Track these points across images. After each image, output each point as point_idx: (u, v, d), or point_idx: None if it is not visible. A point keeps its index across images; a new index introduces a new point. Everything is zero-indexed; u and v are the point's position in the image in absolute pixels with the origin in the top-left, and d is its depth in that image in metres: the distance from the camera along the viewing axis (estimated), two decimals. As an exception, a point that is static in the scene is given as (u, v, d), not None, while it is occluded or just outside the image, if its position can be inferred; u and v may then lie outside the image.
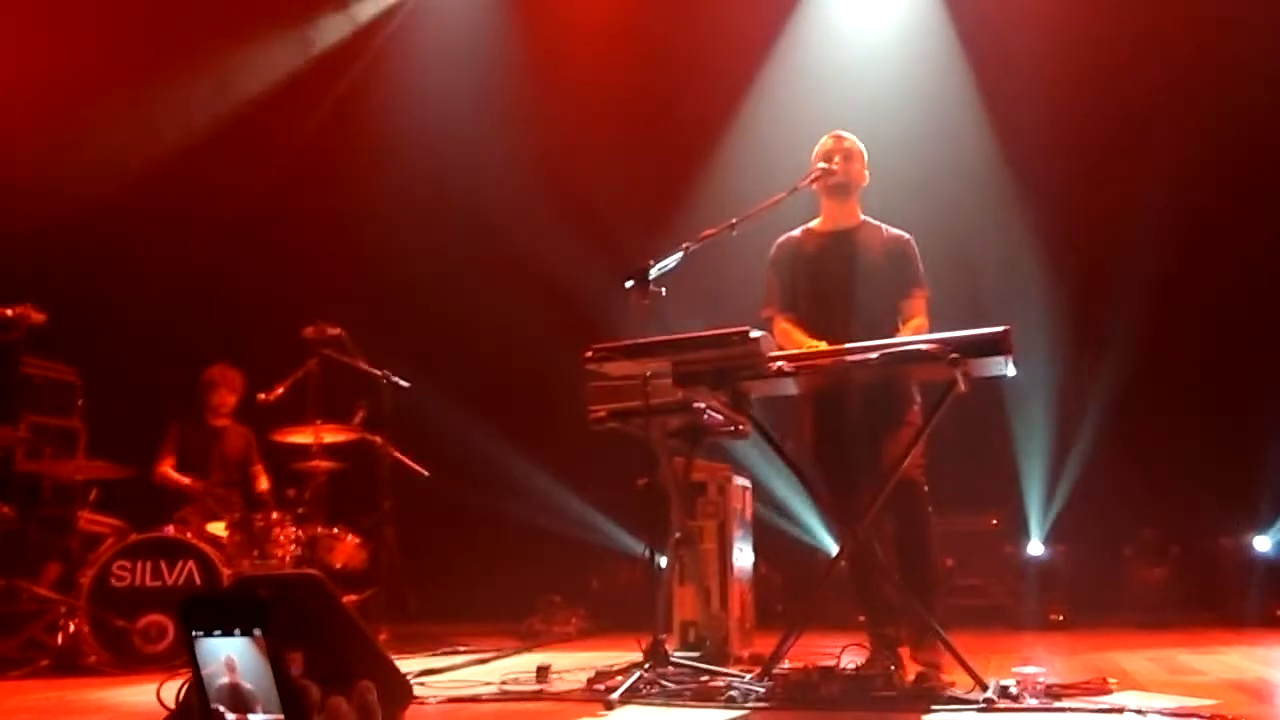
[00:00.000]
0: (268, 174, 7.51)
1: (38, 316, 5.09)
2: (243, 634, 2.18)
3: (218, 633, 2.20)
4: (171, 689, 2.98)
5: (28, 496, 5.31)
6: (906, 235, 3.92)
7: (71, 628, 4.81)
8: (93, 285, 6.91)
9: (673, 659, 3.64)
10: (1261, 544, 6.26)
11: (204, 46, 7.38)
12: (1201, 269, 6.63)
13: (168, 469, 5.68)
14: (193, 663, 2.26)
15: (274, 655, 2.17)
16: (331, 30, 7.84)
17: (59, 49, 7.00)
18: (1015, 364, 3.27)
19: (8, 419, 5.27)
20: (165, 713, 2.97)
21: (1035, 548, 6.51)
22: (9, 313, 5.02)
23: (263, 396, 5.61)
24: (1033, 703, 3.08)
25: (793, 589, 6.56)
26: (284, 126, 7.65)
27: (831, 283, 3.84)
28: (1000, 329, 3.18)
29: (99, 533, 5.24)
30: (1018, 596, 6.34)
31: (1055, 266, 6.66)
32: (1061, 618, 6.18)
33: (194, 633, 2.22)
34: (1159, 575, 6.54)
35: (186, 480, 5.63)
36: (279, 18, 7.61)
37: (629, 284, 3.62)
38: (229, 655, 2.21)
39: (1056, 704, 3.08)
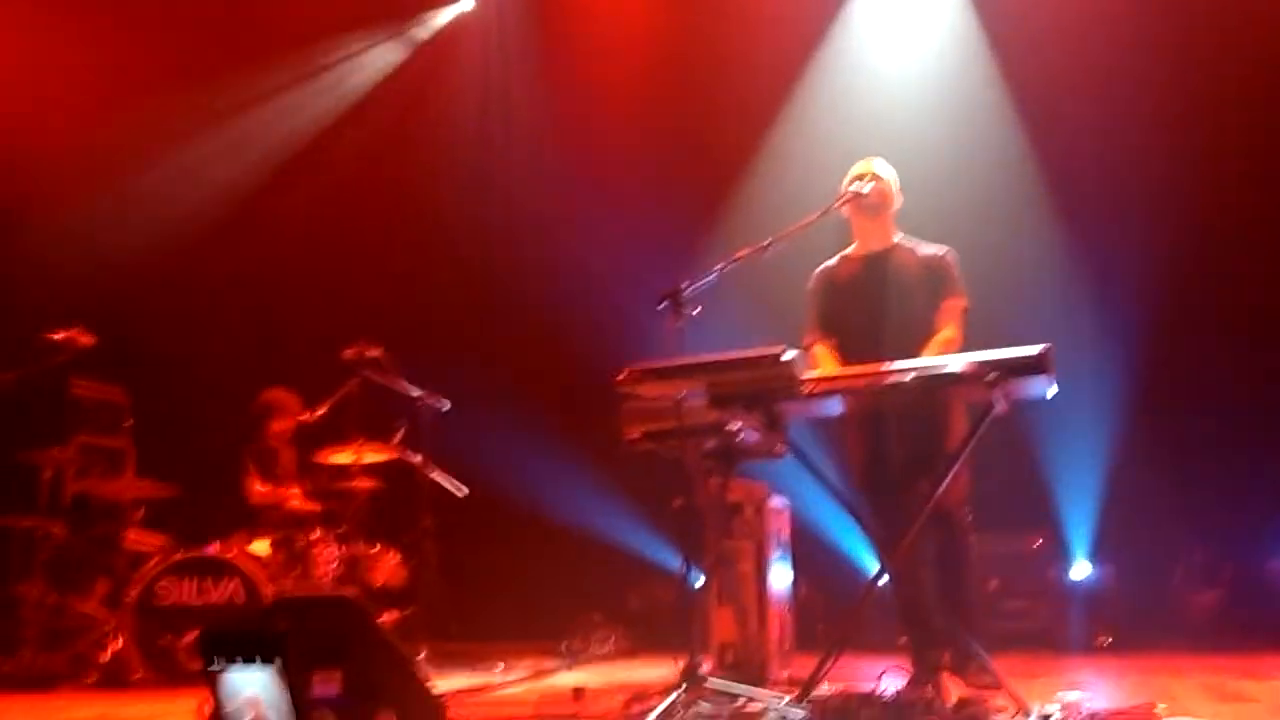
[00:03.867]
0: (310, 197, 7.64)
1: (86, 340, 5.21)
2: (263, 663, 2.20)
3: (239, 662, 2.23)
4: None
5: (77, 515, 5.43)
6: (944, 249, 3.89)
7: (118, 643, 4.90)
8: (139, 307, 7.05)
9: (709, 682, 3.61)
10: (1317, 566, 6.08)
11: (259, 80, 7.54)
12: (1258, 282, 6.48)
13: (260, 486, 5.69)
14: (214, 695, 2.29)
15: (293, 686, 2.19)
16: (383, 56, 7.99)
17: (118, 85, 7.18)
18: (1058, 382, 3.22)
19: (58, 439, 5.39)
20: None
21: (1081, 569, 6.37)
22: (59, 336, 5.15)
23: (305, 417, 5.69)
24: (1077, 729, 3.02)
25: (833, 610, 6.49)
26: (328, 150, 7.79)
27: (866, 306, 3.83)
28: (1041, 348, 3.13)
29: (145, 551, 5.33)
30: (1063, 619, 6.20)
31: (1099, 282, 6.55)
32: (1109, 641, 6.04)
33: (215, 664, 2.25)
34: (1210, 598, 6.37)
35: (275, 491, 5.62)
36: (330, 50, 7.76)
37: (662, 305, 3.63)
38: (250, 688, 2.23)
39: (1102, 731, 3.02)
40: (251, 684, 2.23)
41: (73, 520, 5.39)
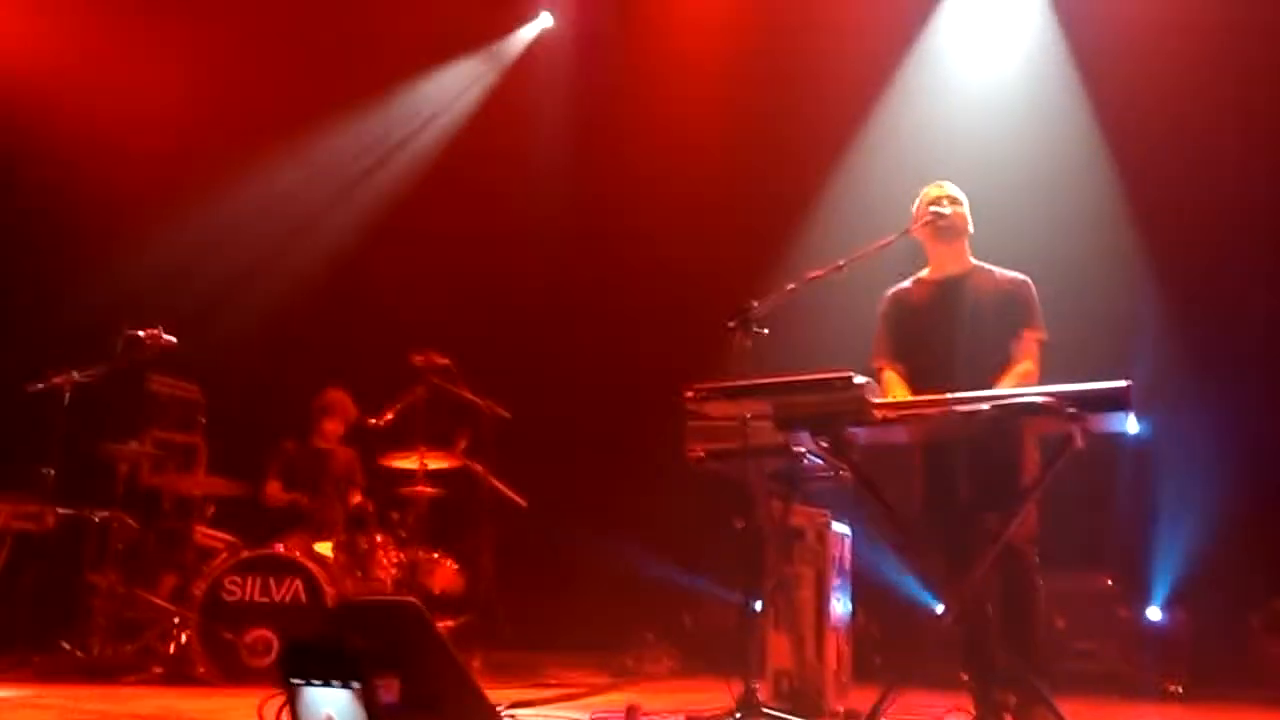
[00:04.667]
0: (387, 206, 7.77)
1: (168, 339, 5.35)
2: (342, 685, 2.21)
3: (317, 682, 2.24)
4: (273, 707, 3.06)
5: (150, 509, 5.56)
6: (1023, 277, 3.81)
7: (183, 638, 5.00)
8: (216, 307, 7.23)
9: (765, 709, 3.56)
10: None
11: (344, 100, 7.71)
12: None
13: (275, 491, 5.83)
14: (293, 709, 2.30)
15: (371, 709, 2.20)
16: (468, 74, 8.13)
17: (211, 101, 7.42)
18: (1138, 418, 3.11)
19: (134, 434, 5.54)
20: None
21: (1154, 612, 6.16)
22: (142, 334, 5.29)
23: (372, 421, 5.77)
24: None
25: (892, 641, 6.36)
26: (406, 162, 7.93)
27: (939, 332, 3.75)
28: (1122, 384, 3.04)
29: (213, 547, 5.44)
30: (1133, 664, 5.99)
31: (1183, 314, 6.35)
32: (1180, 689, 5.82)
33: (294, 680, 2.27)
34: (1289, 649, 6.10)
35: (290, 498, 5.74)
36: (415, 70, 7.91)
37: (731, 324, 3.61)
38: (328, 712, 2.24)
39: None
40: (330, 703, 2.24)
41: (145, 514, 5.52)
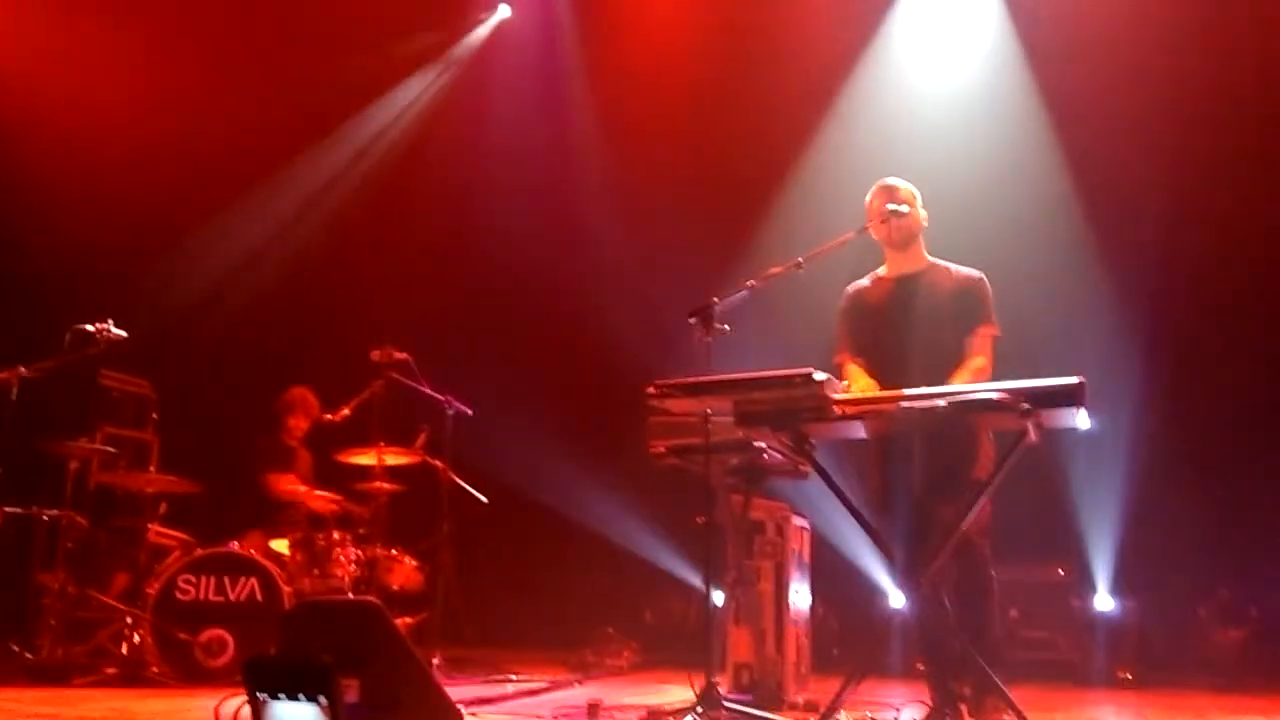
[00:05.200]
0: (343, 201, 7.70)
1: (117, 333, 5.24)
2: (308, 700, 2.18)
3: (282, 696, 2.21)
4: (231, 705, 3.03)
5: (101, 507, 5.45)
6: (978, 274, 3.86)
7: (136, 638, 4.92)
8: (167, 303, 7.11)
9: (726, 702, 3.58)
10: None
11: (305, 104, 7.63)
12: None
13: (291, 482, 5.67)
14: None
15: None
16: (426, 72, 8.07)
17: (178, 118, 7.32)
18: (1089, 414, 3.18)
19: (85, 430, 5.43)
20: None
21: (1104, 601, 6.29)
22: (92, 328, 5.19)
23: (329, 416, 5.72)
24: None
25: (850, 633, 6.43)
26: (364, 158, 7.86)
27: (895, 329, 3.80)
28: (1075, 380, 3.10)
29: (166, 546, 5.35)
30: (1085, 651, 6.12)
31: (1129, 308, 6.48)
32: (1130, 676, 5.95)
33: (260, 695, 2.23)
34: (1235, 637, 6.27)
35: (330, 497, 5.60)
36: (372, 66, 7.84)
37: (692, 320, 3.62)
38: None
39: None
40: (297, 717, 2.22)
41: (96, 512, 5.41)
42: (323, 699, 2.17)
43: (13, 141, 7.00)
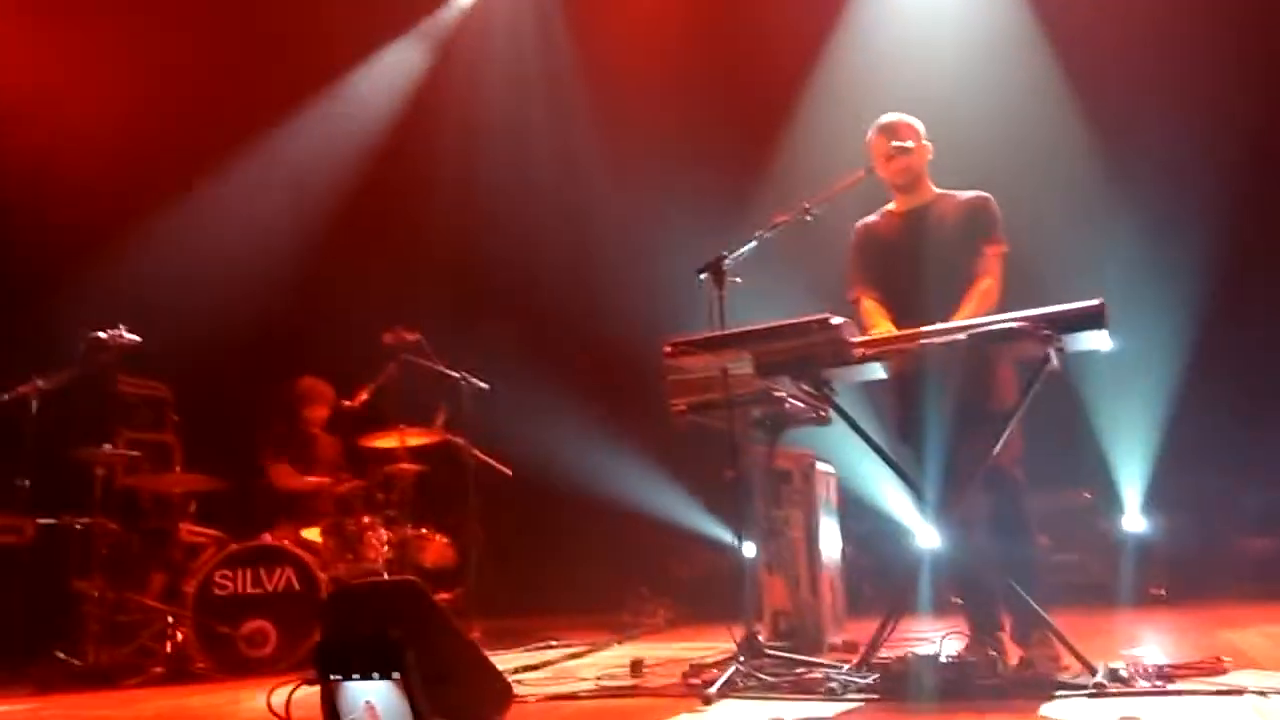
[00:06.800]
0: (347, 187, 7.65)
1: (131, 338, 5.25)
2: (381, 677, 2.19)
3: (356, 678, 2.22)
4: (281, 695, 3.07)
5: (130, 511, 5.49)
6: (984, 194, 3.81)
7: (179, 635, 4.98)
8: (180, 300, 7.10)
9: (767, 650, 3.62)
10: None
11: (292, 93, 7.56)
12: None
13: (286, 472, 5.67)
14: (331, 712, 2.27)
15: (413, 697, 2.19)
16: (408, 53, 7.97)
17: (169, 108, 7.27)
18: (1111, 334, 3.16)
19: (106, 437, 5.45)
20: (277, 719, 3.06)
21: (1132, 521, 6.32)
22: (104, 335, 5.19)
23: (347, 403, 5.73)
24: (1145, 685, 2.98)
25: (881, 571, 6.48)
26: (363, 141, 7.80)
27: (907, 261, 3.76)
28: (1096, 302, 3.08)
29: (199, 543, 5.40)
30: (1116, 572, 6.17)
31: (1152, 229, 6.40)
32: (1163, 592, 6.00)
33: (332, 677, 2.24)
34: (1263, 545, 6.30)
35: (313, 480, 5.62)
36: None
37: (703, 276, 3.61)
38: (369, 700, 2.22)
39: (1171, 686, 2.98)
40: (370, 693, 2.23)
41: (126, 516, 5.46)
42: (396, 674, 2.19)
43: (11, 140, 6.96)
